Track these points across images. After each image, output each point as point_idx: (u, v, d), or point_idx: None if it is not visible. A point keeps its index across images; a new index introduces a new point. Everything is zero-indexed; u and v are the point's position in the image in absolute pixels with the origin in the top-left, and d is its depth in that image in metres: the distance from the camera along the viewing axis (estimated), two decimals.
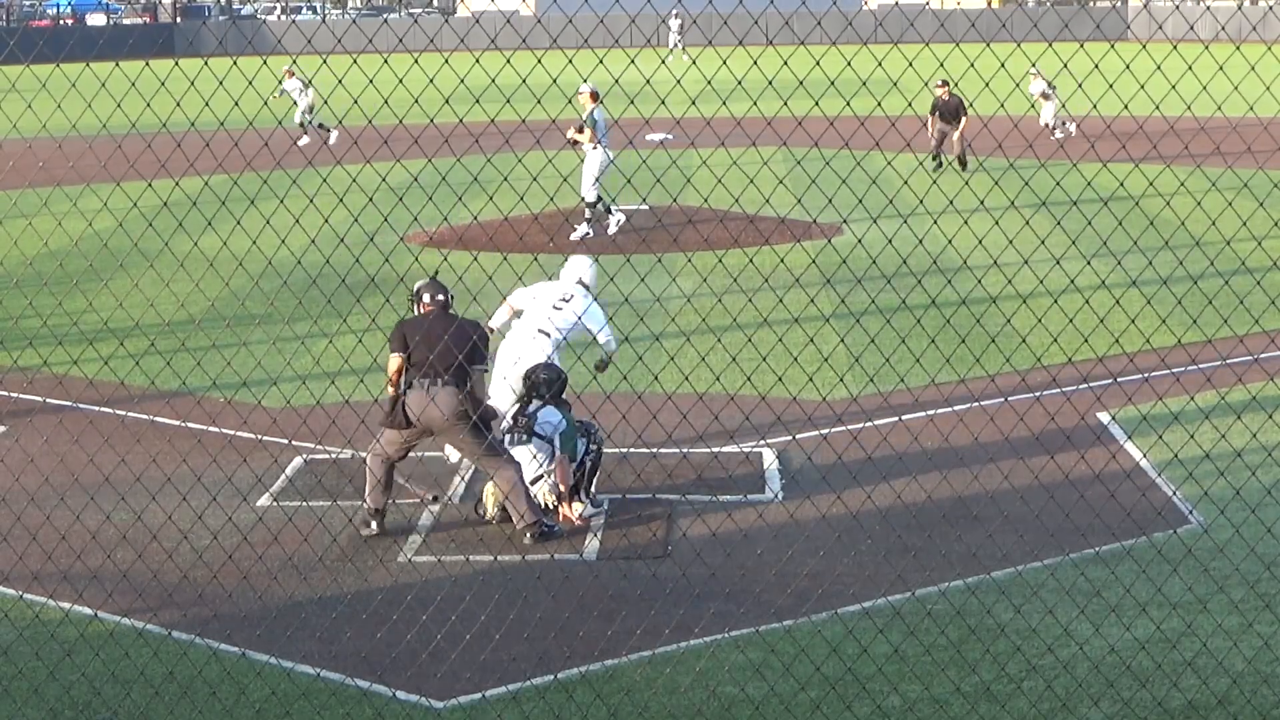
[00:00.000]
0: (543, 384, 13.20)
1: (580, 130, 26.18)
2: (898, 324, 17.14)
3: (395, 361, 12.48)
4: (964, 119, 35.09)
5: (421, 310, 12.73)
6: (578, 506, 12.94)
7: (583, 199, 26.68)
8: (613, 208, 26.75)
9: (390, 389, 12.61)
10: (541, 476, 12.92)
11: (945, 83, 35.06)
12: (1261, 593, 11.15)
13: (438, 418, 12.37)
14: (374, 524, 12.64)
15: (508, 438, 13.04)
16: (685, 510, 13.11)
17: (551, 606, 11.03)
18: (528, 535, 12.46)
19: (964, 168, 35.27)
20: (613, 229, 26.23)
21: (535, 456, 12.95)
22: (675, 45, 76.06)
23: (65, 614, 11.02)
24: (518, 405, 13.40)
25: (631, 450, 14.39)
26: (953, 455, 13.99)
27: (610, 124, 25.66)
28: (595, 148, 26.08)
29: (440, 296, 12.65)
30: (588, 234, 26.06)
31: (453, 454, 14.14)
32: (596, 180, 26.29)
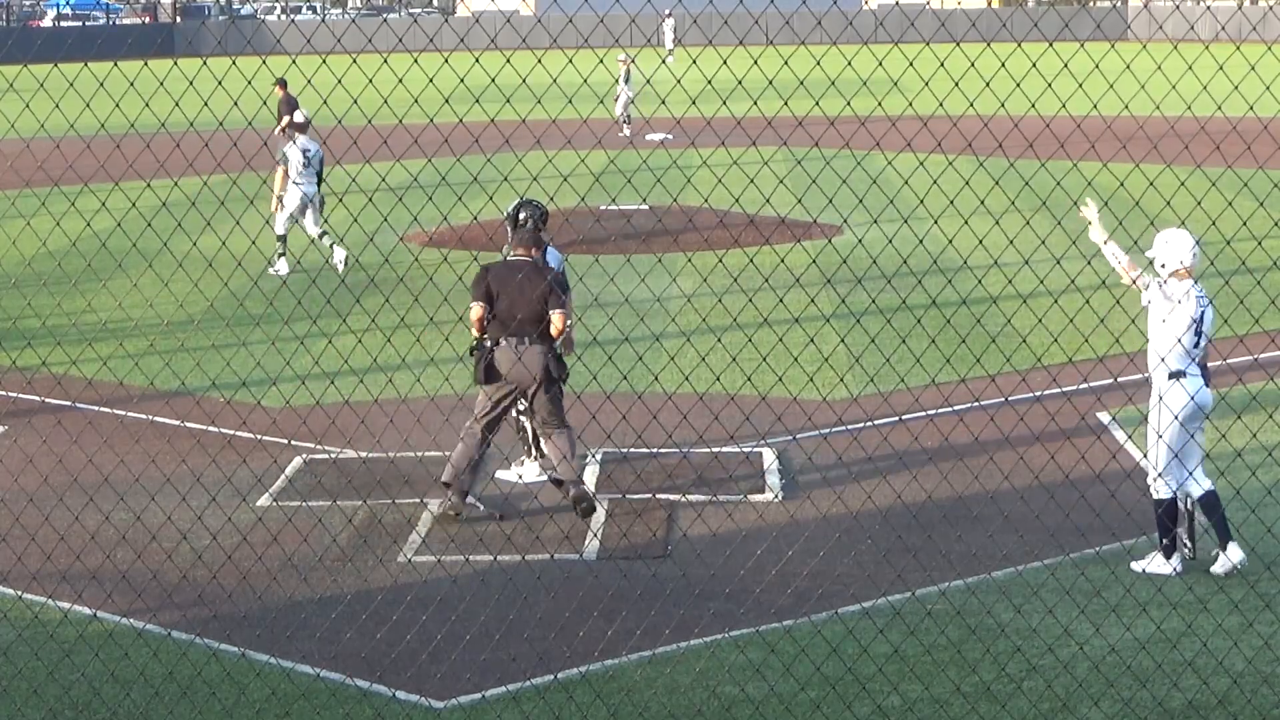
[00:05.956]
0: (538, 219, 13.67)
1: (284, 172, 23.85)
2: (898, 324, 17.13)
3: (477, 310, 12.89)
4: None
5: (515, 253, 13.26)
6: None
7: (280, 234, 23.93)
8: (284, 252, 23.85)
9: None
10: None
11: (284, 81, 31.25)
12: (1261, 592, 11.15)
13: (526, 376, 12.77)
14: (453, 499, 12.93)
15: None
16: (685, 510, 13.11)
17: (551, 606, 11.02)
18: (569, 490, 12.77)
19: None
20: (283, 270, 23.45)
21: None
22: (672, 46, 76.03)
23: (64, 614, 11.01)
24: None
25: (631, 450, 14.38)
26: (953, 455, 13.98)
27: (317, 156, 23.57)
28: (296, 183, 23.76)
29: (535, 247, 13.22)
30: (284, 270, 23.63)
31: (524, 473, 14.15)
32: (291, 216, 23.64)
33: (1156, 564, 11.59)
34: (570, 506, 12.85)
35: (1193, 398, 11.38)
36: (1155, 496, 11.59)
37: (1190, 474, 11.51)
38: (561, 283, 13.38)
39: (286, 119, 31.67)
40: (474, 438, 12.92)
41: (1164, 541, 11.59)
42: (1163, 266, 11.58)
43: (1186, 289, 11.46)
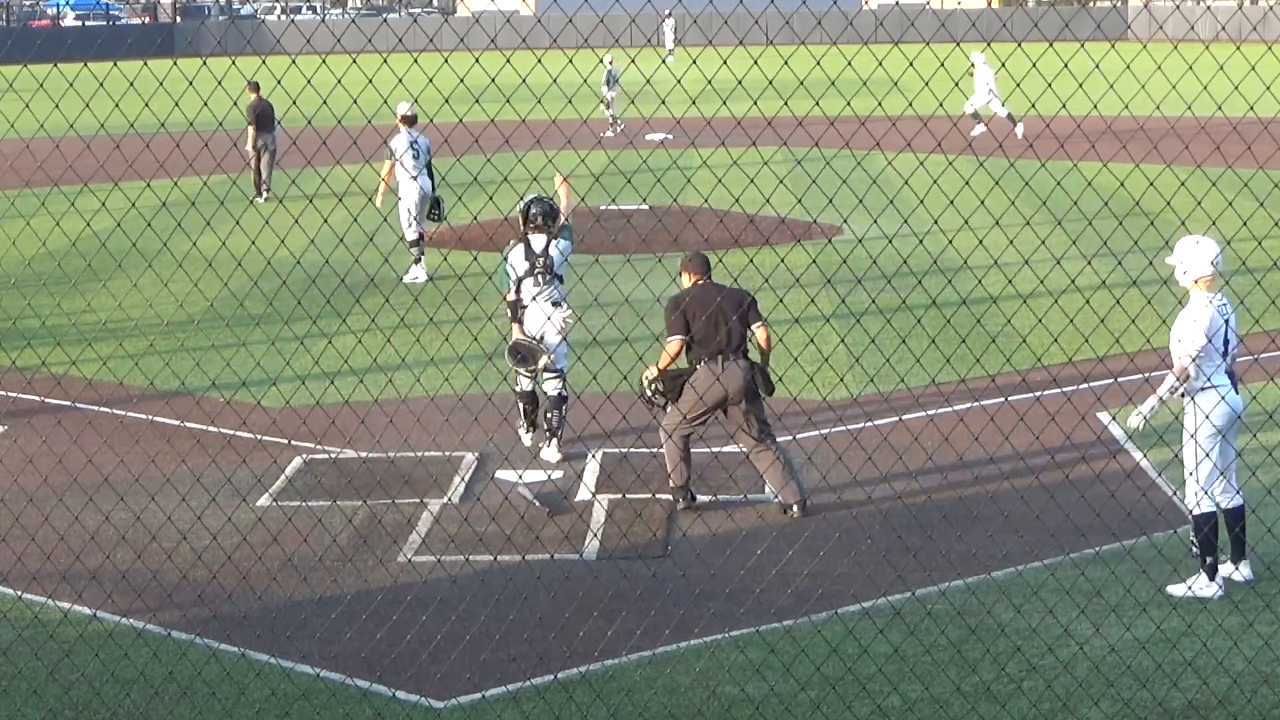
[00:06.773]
0: (545, 215, 14.53)
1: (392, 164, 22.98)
2: (898, 324, 17.11)
3: (675, 344, 13.03)
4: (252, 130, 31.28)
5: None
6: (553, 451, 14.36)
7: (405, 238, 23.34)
8: (419, 258, 23.06)
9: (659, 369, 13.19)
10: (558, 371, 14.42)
11: (257, 85, 30.97)
12: (1261, 592, 11.15)
13: (727, 393, 12.83)
14: (681, 501, 13.05)
15: (533, 279, 14.33)
16: (685, 510, 13.10)
17: (551, 606, 11.02)
18: (794, 509, 12.84)
19: (261, 194, 31.71)
20: (420, 277, 22.89)
21: (560, 307, 14.39)
22: (672, 46, 76.05)
23: (64, 614, 11.01)
24: (524, 243, 14.53)
25: (632, 450, 14.38)
26: (953, 455, 13.97)
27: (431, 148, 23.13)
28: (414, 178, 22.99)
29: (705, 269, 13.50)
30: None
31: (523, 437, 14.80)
32: (411, 213, 22.98)
33: (1200, 584, 11.26)
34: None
35: (1231, 406, 11.24)
36: (1195, 512, 11.25)
37: (1227, 483, 11.35)
38: (567, 234, 14.59)
39: (251, 126, 31.68)
40: (673, 446, 13.04)
41: (1208, 560, 11.23)
42: (1184, 274, 11.42)
43: (1209, 298, 11.31)
